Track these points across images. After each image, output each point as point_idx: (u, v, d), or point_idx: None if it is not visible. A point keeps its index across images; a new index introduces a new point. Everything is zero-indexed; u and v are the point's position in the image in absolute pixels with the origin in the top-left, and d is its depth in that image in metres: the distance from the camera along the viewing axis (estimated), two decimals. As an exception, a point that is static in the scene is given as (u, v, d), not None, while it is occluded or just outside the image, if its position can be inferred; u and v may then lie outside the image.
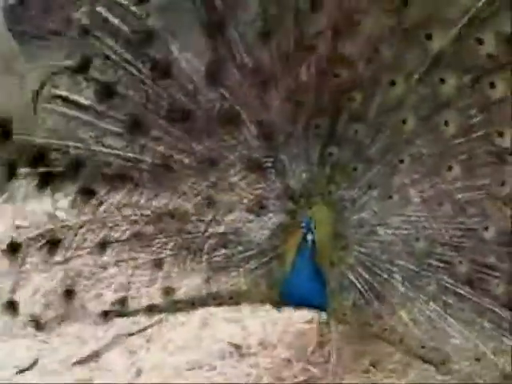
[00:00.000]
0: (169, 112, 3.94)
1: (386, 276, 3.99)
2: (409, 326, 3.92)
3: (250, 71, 3.92)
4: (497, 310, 3.86)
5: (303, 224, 3.89)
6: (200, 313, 4.80)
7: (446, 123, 3.80)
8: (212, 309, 4.81)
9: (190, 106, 3.94)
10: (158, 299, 4.14)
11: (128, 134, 3.95)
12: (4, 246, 3.91)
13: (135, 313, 4.20)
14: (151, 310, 4.20)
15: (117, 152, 3.96)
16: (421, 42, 3.71)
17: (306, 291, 3.95)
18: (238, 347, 4.72)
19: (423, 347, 3.96)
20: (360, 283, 4.03)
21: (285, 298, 4.04)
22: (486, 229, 3.86)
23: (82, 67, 3.88)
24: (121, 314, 4.17)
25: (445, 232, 3.90)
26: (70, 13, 3.89)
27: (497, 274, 3.86)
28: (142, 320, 4.48)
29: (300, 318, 4.91)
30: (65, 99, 3.90)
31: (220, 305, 4.29)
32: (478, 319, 3.88)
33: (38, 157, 3.83)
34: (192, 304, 4.20)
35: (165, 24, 3.87)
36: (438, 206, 3.93)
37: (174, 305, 4.19)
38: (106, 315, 4.16)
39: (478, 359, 3.85)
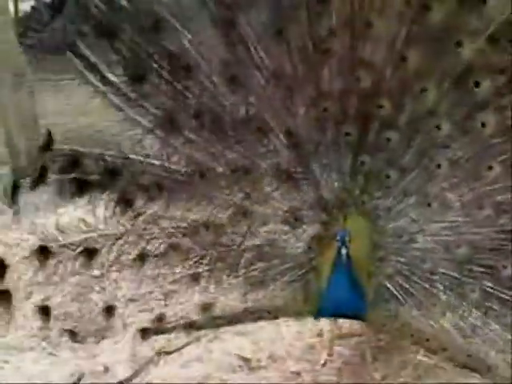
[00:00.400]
0: (196, 112, 3.81)
1: (426, 285, 3.83)
2: (452, 335, 3.77)
3: (270, 73, 3.80)
4: None
5: (338, 237, 3.71)
6: (202, 301, 4.43)
7: (483, 124, 3.66)
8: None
9: (215, 108, 3.81)
10: (196, 315, 4.01)
11: (159, 130, 3.80)
12: (35, 253, 3.77)
13: (173, 330, 4.04)
14: (190, 326, 4.03)
15: (152, 161, 3.82)
16: (451, 48, 3.62)
17: (344, 304, 3.78)
18: (247, 361, 4.58)
19: (469, 355, 3.78)
20: (399, 293, 3.86)
21: (322, 311, 3.89)
22: None
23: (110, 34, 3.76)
24: (159, 332, 4.03)
25: (486, 236, 3.75)
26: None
27: None
28: (181, 337, 4.32)
29: (309, 331, 4.80)
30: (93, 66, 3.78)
31: (258, 320, 4.14)
32: None
33: (73, 163, 3.72)
34: (230, 320, 4.05)
35: (177, 17, 3.78)
36: (479, 210, 3.74)
37: (213, 321, 4.03)
38: (144, 332, 3.98)
39: None
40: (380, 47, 3.72)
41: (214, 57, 3.81)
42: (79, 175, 3.76)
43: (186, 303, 4.07)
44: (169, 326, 4.03)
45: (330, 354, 4.50)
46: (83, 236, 3.82)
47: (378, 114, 3.80)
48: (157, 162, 3.85)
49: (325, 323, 4.53)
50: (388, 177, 3.89)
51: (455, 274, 3.84)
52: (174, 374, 4.46)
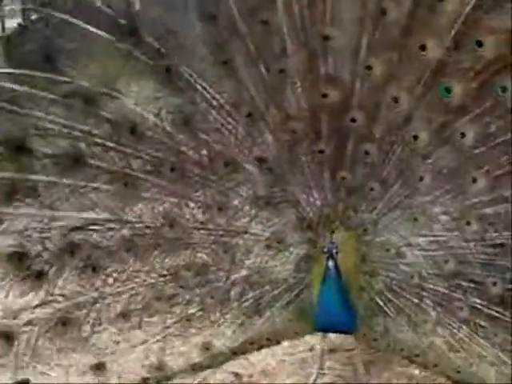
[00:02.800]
0: (153, 169, 3.89)
1: (416, 300, 3.96)
2: (442, 351, 3.93)
3: (226, 107, 3.89)
4: None
5: (325, 249, 3.86)
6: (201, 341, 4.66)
7: (462, 134, 3.72)
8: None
9: (173, 158, 3.90)
10: (197, 356, 4.16)
11: (119, 198, 3.90)
12: None
13: (177, 375, 4.17)
14: (194, 369, 4.18)
15: (111, 225, 3.91)
16: (415, 53, 3.64)
17: (335, 318, 3.94)
18: (239, 376, 4.78)
19: (458, 372, 3.94)
20: (389, 309, 4.00)
21: (318, 326, 4.05)
22: None
23: None
24: (162, 379, 4.15)
25: (475, 250, 3.85)
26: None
27: None
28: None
29: (301, 346, 5.01)
30: None
31: (260, 348, 4.31)
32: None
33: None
34: (233, 353, 4.19)
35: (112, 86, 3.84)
36: (466, 223, 3.83)
37: (216, 359, 4.17)
38: (145, 382, 4.12)
39: None
40: (342, 59, 3.76)
41: (162, 108, 3.89)
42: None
43: (184, 347, 4.28)
44: (171, 372, 4.18)
45: (321, 369, 4.67)
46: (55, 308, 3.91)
47: (351, 127, 3.85)
48: (118, 226, 3.94)
49: (316, 338, 4.72)
50: (372, 190, 3.98)
51: (443, 290, 3.97)
52: None
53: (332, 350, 4.85)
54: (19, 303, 3.98)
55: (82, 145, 3.79)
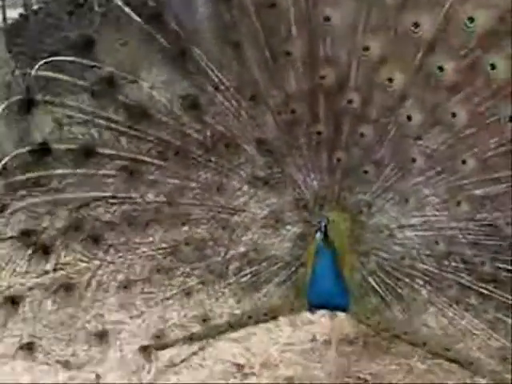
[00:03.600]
0: (159, 152, 4.16)
1: (407, 280, 4.16)
2: (432, 329, 4.14)
3: (231, 91, 4.11)
4: None
5: (315, 223, 4.07)
6: (199, 313, 4.83)
7: (454, 114, 3.89)
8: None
9: (177, 140, 4.16)
10: (196, 327, 4.44)
11: (123, 182, 4.17)
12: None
13: (175, 343, 4.49)
14: (192, 338, 4.47)
15: (119, 200, 4.20)
16: (408, 30, 3.81)
17: (328, 294, 4.15)
18: (240, 367, 4.99)
19: (448, 350, 4.15)
20: (381, 288, 4.20)
21: (311, 303, 4.25)
22: (508, 224, 3.97)
23: None
24: (160, 347, 4.47)
25: (465, 231, 4.05)
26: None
27: None
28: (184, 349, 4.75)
29: (302, 336, 5.26)
30: None
31: (257, 323, 4.56)
32: (504, 318, 4.05)
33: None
34: (231, 326, 4.46)
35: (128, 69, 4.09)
36: (456, 204, 4.02)
37: (214, 330, 4.46)
38: (145, 350, 4.45)
39: (505, 359, 4.02)
40: (341, 40, 3.96)
41: (172, 92, 4.14)
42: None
43: (184, 318, 4.51)
44: (170, 341, 4.49)
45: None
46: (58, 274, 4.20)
47: (348, 109, 4.05)
48: (125, 200, 4.23)
49: (319, 327, 5.03)
50: (366, 172, 4.18)
51: (434, 270, 4.17)
52: (167, 381, 4.88)
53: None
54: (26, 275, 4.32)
55: (96, 132, 4.11)
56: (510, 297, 4.04)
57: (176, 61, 4.09)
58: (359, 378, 4.83)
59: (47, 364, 4.81)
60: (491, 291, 4.07)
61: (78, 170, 4.07)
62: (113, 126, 4.09)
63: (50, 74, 3.98)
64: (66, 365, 4.58)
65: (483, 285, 4.08)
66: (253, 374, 4.98)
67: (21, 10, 9.84)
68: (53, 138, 4.10)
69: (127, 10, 4.00)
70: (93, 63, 4.03)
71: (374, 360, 4.98)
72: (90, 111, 4.07)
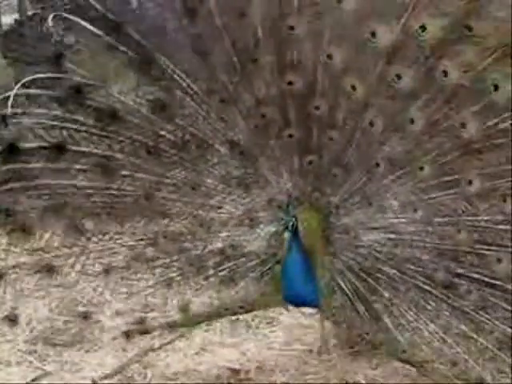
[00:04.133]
0: (132, 150, 4.58)
1: (371, 282, 4.45)
2: (391, 331, 4.43)
3: (200, 95, 4.51)
4: (473, 313, 4.24)
5: (283, 222, 4.42)
6: (198, 338, 5.50)
7: (412, 120, 4.17)
8: (210, 333, 5.57)
9: (149, 139, 4.57)
10: (175, 316, 4.87)
11: (99, 176, 4.60)
12: None
13: (156, 329, 4.93)
14: (171, 326, 4.90)
15: (96, 191, 4.63)
16: (366, 40, 4.10)
17: (298, 291, 4.50)
18: (235, 372, 5.29)
19: (404, 351, 4.43)
20: (347, 287, 4.50)
21: (286, 298, 4.60)
22: (459, 232, 4.24)
23: None
24: (142, 332, 4.91)
25: (422, 236, 4.34)
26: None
27: (471, 278, 4.25)
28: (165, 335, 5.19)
29: (298, 341, 5.58)
30: None
31: (234, 314, 5.00)
32: (456, 323, 4.30)
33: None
34: (209, 316, 4.87)
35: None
36: (414, 209, 4.31)
37: (193, 319, 4.88)
38: (127, 335, 4.91)
39: (455, 363, 4.27)
40: (306, 48, 4.31)
41: (142, 95, 4.59)
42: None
43: (164, 306, 4.98)
44: (151, 327, 4.94)
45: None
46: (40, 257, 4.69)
47: (315, 114, 4.38)
48: (102, 192, 4.68)
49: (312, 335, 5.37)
50: (335, 175, 4.50)
51: (395, 273, 4.45)
52: None
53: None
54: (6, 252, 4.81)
55: (66, 132, 4.55)
56: (463, 302, 4.29)
57: (142, 68, 4.53)
58: (355, 382, 5.09)
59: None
60: (447, 296, 4.32)
61: (51, 165, 4.56)
62: (83, 128, 4.56)
63: (31, 91, 4.51)
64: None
65: (439, 289, 4.34)
66: (248, 379, 5.29)
67: (16, 16, 10.32)
68: (21, 139, 4.57)
69: (87, 25, 4.49)
70: (62, 75, 4.52)
71: (369, 364, 5.22)
72: (60, 117, 4.55)
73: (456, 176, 4.18)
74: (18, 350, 5.49)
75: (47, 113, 4.51)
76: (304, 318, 5.51)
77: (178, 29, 4.55)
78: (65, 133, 4.53)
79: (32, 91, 4.45)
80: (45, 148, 4.49)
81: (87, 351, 5.24)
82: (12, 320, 4.83)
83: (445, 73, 4.02)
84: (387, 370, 5.17)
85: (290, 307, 4.91)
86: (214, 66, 4.44)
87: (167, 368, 5.42)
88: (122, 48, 4.47)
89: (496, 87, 3.96)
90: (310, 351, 5.49)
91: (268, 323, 5.90)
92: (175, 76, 4.48)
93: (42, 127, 4.51)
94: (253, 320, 5.86)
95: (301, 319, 5.69)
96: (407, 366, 4.88)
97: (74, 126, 4.53)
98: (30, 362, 5.47)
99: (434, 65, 4.04)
